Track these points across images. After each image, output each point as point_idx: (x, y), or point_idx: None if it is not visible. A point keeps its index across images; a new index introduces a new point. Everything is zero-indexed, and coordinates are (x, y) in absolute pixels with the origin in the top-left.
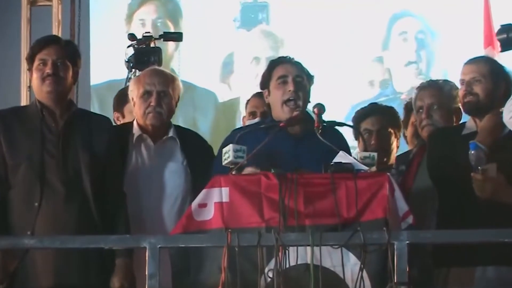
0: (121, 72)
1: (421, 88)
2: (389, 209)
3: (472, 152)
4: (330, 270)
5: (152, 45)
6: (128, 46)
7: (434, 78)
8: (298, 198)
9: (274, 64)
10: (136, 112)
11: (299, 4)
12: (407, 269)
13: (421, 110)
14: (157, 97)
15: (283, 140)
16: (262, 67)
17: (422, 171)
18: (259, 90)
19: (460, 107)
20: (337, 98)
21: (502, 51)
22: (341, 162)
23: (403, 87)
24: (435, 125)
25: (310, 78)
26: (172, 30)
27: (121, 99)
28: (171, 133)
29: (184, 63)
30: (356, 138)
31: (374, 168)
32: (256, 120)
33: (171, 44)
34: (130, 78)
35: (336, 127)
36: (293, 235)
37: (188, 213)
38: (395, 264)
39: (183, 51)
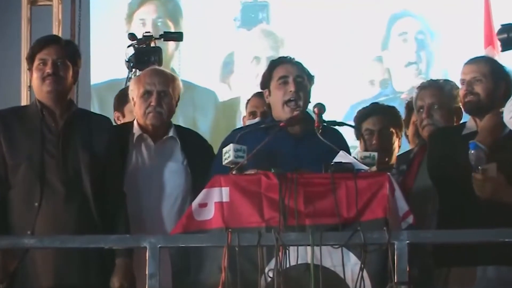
0: (122, 72)
1: (422, 87)
2: (389, 209)
3: (472, 152)
4: (331, 270)
5: (152, 44)
6: (129, 46)
7: (434, 78)
8: (298, 198)
9: (274, 64)
10: (136, 112)
11: (299, 4)
12: (407, 269)
13: (421, 110)
14: (157, 97)
15: (283, 140)
16: (262, 67)
17: (422, 171)
18: (259, 90)
19: (461, 106)
20: (337, 97)
21: (502, 50)
22: (341, 162)
23: (403, 86)
24: (435, 124)
25: (310, 78)
26: (172, 29)
27: (122, 98)
28: (171, 133)
29: (184, 62)
30: (358, 138)
31: (374, 168)
32: (256, 120)
33: (171, 44)
34: (130, 78)
35: (336, 127)
36: (293, 234)
37: (188, 213)
38: (395, 264)
39: (183, 50)
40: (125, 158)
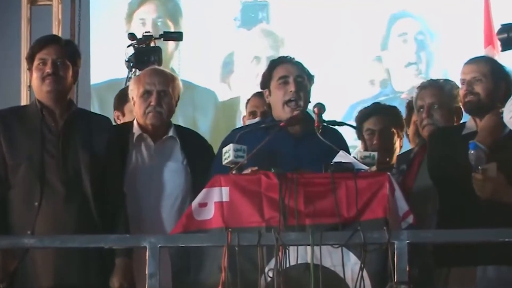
0: (121, 72)
1: (422, 87)
2: (389, 208)
3: (472, 152)
4: (330, 269)
5: (152, 44)
6: (128, 46)
7: (434, 77)
8: (298, 198)
9: (274, 64)
10: (136, 112)
11: (299, 4)
12: (407, 269)
13: (421, 110)
14: (157, 97)
15: (283, 139)
16: (262, 67)
17: (423, 170)
18: (259, 90)
19: (461, 106)
20: (337, 97)
21: (502, 50)
22: (341, 162)
23: (403, 86)
24: (435, 124)
25: (310, 78)
26: (172, 29)
27: (122, 98)
28: (171, 133)
29: (184, 62)
30: (359, 137)
31: (374, 168)
32: (257, 119)
33: (171, 43)
34: (130, 77)
35: (336, 127)
36: (293, 234)
37: (188, 213)
38: (395, 264)
39: (183, 50)
40: (125, 158)
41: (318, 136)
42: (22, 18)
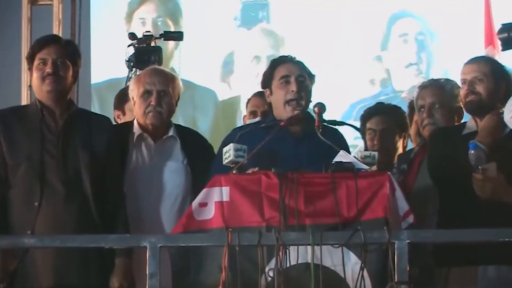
0: (122, 71)
1: (423, 87)
2: (390, 208)
3: (472, 151)
4: (331, 269)
5: (152, 44)
6: (129, 45)
7: (434, 77)
8: (298, 198)
9: (276, 63)
10: (136, 111)
11: (300, 3)
12: (408, 269)
13: (422, 109)
14: (157, 97)
15: (284, 139)
16: (262, 66)
17: (423, 170)
18: (260, 89)
19: (462, 106)
20: (337, 97)
21: (503, 50)
22: (341, 162)
23: (403, 85)
24: (436, 124)
25: (311, 77)
26: (172, 29)
27: (122, 97)
28: (171, 132)
29: (184, 61)
30: (363, 137)
31: (374, 167)
32: (257, 119)
33: (171, 43)
34: (130, 77)
35: (336, 127)
36: (294, 234)
37: (189, 213)
38: (396, 264)
39: (183, 49)
40: (125, 157)
41: (318, 136)
42: (23, 18)
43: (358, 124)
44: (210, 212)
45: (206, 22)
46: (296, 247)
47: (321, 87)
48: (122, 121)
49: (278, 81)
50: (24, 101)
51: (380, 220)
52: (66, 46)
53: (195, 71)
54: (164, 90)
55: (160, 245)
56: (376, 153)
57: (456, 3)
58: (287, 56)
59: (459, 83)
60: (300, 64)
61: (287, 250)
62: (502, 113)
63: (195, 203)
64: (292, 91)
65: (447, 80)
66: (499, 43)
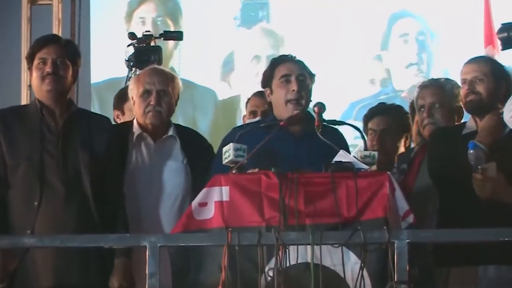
0: (121, 71)
1: (423, 86)
2: (390, 208)
3: (471, 151)
4: (331, 269)
5: (152, 43)
6: (128, 45)
7: (435, 77)
8: (298, 197)
9: (276, 62)
10: (136, 111)
11: (300, 3)
12: (408, 268)
13: (422, 109)
14: (157, 96)
15: (284, 139)
16: (262, 66)
17: (423, 170)
18: (260, 89)
19: (462, 106)
20: (337, 96)
21: (502, 49)
22: (341, 161)
23: (404, 85)
24: (436, 124)
25: (312, 76)
26: (172, 28)
27: (121, 97)
28: (171, 132)
29: (184, 61)
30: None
31: (374, 167)
32: (257, 119)
33: (171, 42)
34: (130, 77)
35: (336, 126)
36: (294, 234)
37: (189, 212)
38: (396, 263)
39: (183, 49)
40: (125, 157)
41: (318, 136)
42: (22, 18)
43: (358, 124)
44: (210, 212)
45: (206, 21)
46: (296, 247)
47: (321, 86)
48: (121, 121)
49: (279, 80)
50: (24, 101)
51: (380, 220)
52: (66, 45)
53: (195, 70)
54: (164, 90)
55: (160, 244)
56: (376, 153)
57: (456, 3)
58: (287, 55)
59: (459, 82)
60: (300, 63)
61: (287, 250)
62: (502, 113)
63: (195, 202)
64: (293, 90)
65: (447, 79)
66: (498, 42)
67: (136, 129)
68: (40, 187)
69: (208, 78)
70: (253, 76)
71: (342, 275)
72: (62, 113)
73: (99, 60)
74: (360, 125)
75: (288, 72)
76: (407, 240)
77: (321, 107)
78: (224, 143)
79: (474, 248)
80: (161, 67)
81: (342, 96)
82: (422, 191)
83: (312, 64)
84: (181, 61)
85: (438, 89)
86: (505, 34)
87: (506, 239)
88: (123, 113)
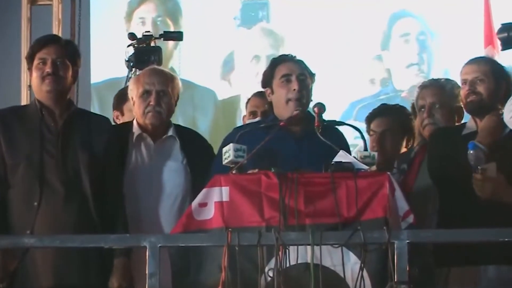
0: (121, 71)
1: (423, 87)
2: (390, 208)
3: (471, 152)
4: (330, 269)
5: (152, 44)
6: (128, 45)
7: (435, 77)
8: (298, 198)
9: (276, 62)
10: (135, 112)
11: (300, 3)
12: (407, 268)
13: (422, 109)
14: (157, 97)
15: (284, 139)
16: (262, 66)
17: (423, 170)
18: (260, 89)
19: (462, 106)
20: (337, 95)
21: (502, 49)
22: (341, 162)
23: (404, 85)
24: (436, 124)
25: (312, 76)
26: (172, 28)
27: (121, 97)
28: (170, 132)
29: (184, 61)
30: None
31: (374, 167)
32: (257, 119)
33: (171, 43)
34: (130, 77)
35: (336, 126)
36: (293, 234)
37: (188, 213)
38: (396, 263)
39: (183, 49)
40: (124, 157)
41: (318, 136)
42: (22, 18)
43: (358, 124)
44: (210, 212)
45: (206, 21)
46: (295, 247)
47: (321, 86)
48: (121, 122)
49: (279, 80)
50: (24, 101)
51: (380, 220)
52: (66, 46)
53: (195, 71)
54: (164, 90)
55: (160, 245)
56: (375, 153)
57: (456, 3)
58: (287, 55)
59: (459, 83)
60: (300, 63)
61: (287, 250)
62: (502, 113)
63: (194, 203)
64: (294, 89)
65: (448, 80)
66: (498, 42)
67: (136, 129)
68: (39, 187)
69: (208, 78)
70: (253, 76)
71: (342, 275)
72: (62, 113)
73: (99, 60)
74: (360, 125)
75: (288, 71)
76: (407, 240)
77: (321, 107)
78: (224, 143)
79: (474, 248)
80: (161, 67)
81: (342, 96)
82: (422, 191)
83: (312, 64)
84: (181, 61)
85: (438, 89)
86: (505, 34)
87: (506, 239)
88: (122, 114)
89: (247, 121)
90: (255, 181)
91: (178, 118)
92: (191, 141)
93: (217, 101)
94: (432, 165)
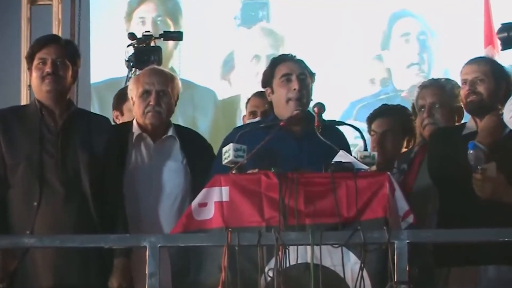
0: (121, 70)
1: (423, 86)
2: (390, 208)
3: (471, 152)
4: (330, 269)
5: (152, 44)
6: (128, 45)
7: (435, 77)
8: (298, 198)
9: (276, 62)
10: (135, 112)
11: (300, 2)
12: (407, 268)
13: (423, 109)
14: (156, 97)
15: (284, 139)
16: (262, 65)
17: (423, 170)
18: (260, 89)
19: (462, 106)
20: (337, 95)
21: (502, 49)
22: (341, 162)
23: (404, 85)
24: (436, 124)
25: (312, 75)
26: (172, 28)
27: (121, 97)
28: (170, 132)
29: (184, 61)
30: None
31: (374, 167)
32: (257, 119)
33: (171, 42)
34: (130, 77)
35: (336, 126)
36: (293, 234)
37: (188, 213)
38: (395, 263)
39: (183, 49)
40: (124, 157)
41: (318, 136)
42: (22, 18)
43: (358, 124)
44: (210, 212)
45: (206, 21)
46: (295, 247)
47: (321, 86)
48: (121, 122)
49: (279, 79)
50: (24, 101)
51: (380, 220)
52: (66, 46)
53: (195, 70)
54: (163, 90)
55: (159, 245)
56: (375, 153)
57: (456, 3)
58: (287, 55)
59: (459, 83)
60: (301, 62)
61: (287, 250)
62: (502, 113)
63: (194, 203)
64: (294, 89)
65: (448, 80)
66: (498, 42)
67: (135, 129)
68: (39, 187)
69: (208, 78)
70: (253, 75)
71: (342, 275)
72: (62, 113)
73: (99, 60)
74: (360, 124)
75: (289, 71)
76: (407, 240)
77: (320, 107)
78: (225, 143)
79: (474, 248)
80: (161, 67)
81: (342, 95)
82: (422, 191)
83: (312, 64)
84: (181, 61)
85: (438, 89)
86: (505, 34)
87: (506, 239)
88: (122, 114)
89: (247, 121)
90: (255, 181)
91: (178, 118)
92: (191, 141)
93: (217, 101)
94: (432, 165)
